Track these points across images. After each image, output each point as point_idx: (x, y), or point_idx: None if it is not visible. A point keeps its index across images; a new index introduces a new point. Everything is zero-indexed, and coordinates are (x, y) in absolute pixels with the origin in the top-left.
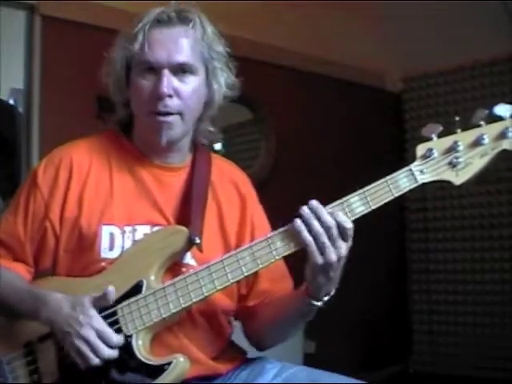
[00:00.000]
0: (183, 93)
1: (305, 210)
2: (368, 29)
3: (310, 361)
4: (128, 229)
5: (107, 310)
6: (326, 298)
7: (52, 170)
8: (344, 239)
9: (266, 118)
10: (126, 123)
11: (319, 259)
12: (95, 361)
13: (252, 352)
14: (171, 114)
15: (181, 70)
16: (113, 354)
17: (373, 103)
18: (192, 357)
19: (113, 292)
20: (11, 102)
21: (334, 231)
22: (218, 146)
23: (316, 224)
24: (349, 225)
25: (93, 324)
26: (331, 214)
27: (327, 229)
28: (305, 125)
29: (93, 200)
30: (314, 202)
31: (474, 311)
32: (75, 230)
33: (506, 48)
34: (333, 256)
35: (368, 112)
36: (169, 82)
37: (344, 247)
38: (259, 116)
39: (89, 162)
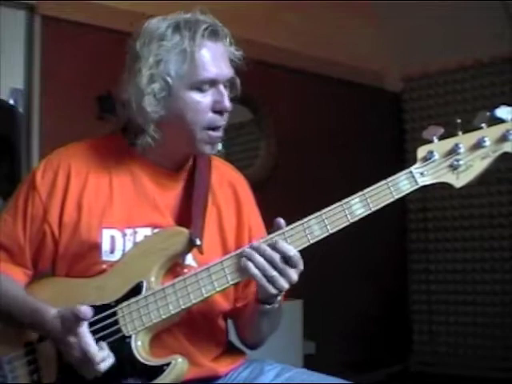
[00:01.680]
0: (230, 106)
1: (246, 250)
2: (368, 29)
3: (310, 361)
4: (129, 231)
5: (107, 311)
6: (279, 299)
7: (50, 173)
8: (292, 266)
9: (265, 117)
10: (126, 127)
11: (271, 289)
12: (90, 376)
13: (251, 353)
14: (223, 127)
15: (228, 83)
16: (106, 365)
17: (373, 103)
18: (191, 358)
19: (85, 311)
20: (11, 102)
21: (279, 262)
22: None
23: (259, 260)
24: (291, 252)
25: (81, 345)
26: (273, 244)
27: (270, 261)
28: (305, 125)
29: (92, 204)
30: (255, 243)
31: (474, 311)
32: (75, 234)
33: (506, 48)
34: (284, 284)
35: (368, 112)
36: (228, 97)
37: (294, 274)
38: (259, 116)
39: (88, 165)
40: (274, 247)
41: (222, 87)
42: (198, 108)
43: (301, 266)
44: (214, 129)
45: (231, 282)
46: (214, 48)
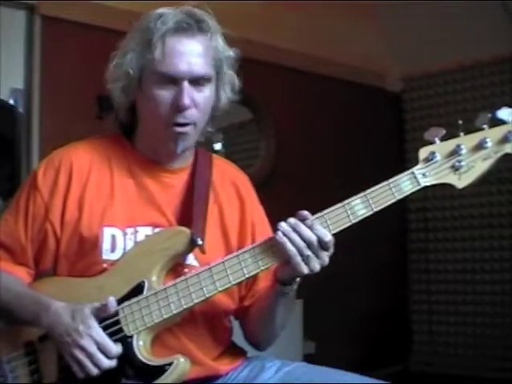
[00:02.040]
0: (200, 103)
1: (283, 225)
2: (368, 29)
3: (310, 361)
4: (130, 230)
5: None
6: (298, 280)
7: (52, 172)
8: (325, 250)
9: (266, 117)
10: (128, 126)
11: (304, 269)
12: (93, 371)
13: (252, 352)
14: (188, 124)
15: (198, 80)
16: (111, 364)
17: (373, 103)
18: (193, 358)
19: (113, 302)
20: (11, 102)
21: (315, 244)
22: (218, 146)
23: (296, 238)
24: (327, 238)
25: (92, 335)
26: (311, 227)
27: (308, 243)
28: (305, 125)
29: (93, 202)
30: (292, 219)
31: (474, 311)
32: (76, 232)
33: (506, 48)
34: (317, 266)
35: (368, 112)
36: (189, 94)
37: (327, 257)
38: (259, 116)
39: (89, 164)
40: (311, 228)
41: (184, 84)
42: (157, 102)
43: (332, 250)
44: (177, 125)
45: (233, 282)
46: (182, 43)
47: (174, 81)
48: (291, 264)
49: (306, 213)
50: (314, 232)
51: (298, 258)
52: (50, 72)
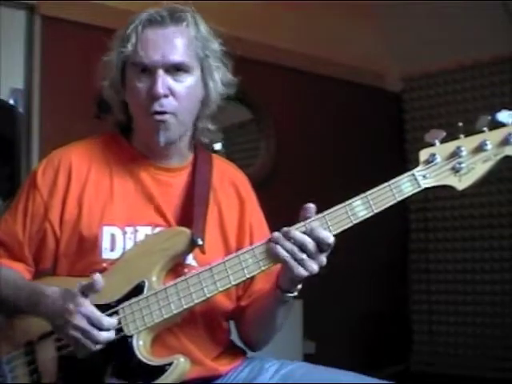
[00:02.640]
0: (179, 92)
1: (275, 233)
2: (368, 29)
3: (310, 361)
4: (129, 229)
5: (109, 310)
6: (299, 287)
7: (51, 171)
8: (323, 251)
9: (266, 117)
10: (125, 125)
11: (302, 271)
12: (91, 347)
13: (252, 352)
14: (167, 113)
15: (176, 69)
16: (108, 336)
17: (373, 103)
18: (193, 358)
19: (99, 279)
20: (11, 102)
21: (310, 247)
22: (218, 146)
23: (287, 244)
24: (331, 240)
25: (82, 311)
26: (311, 231)
27: (301, 246)
28: (305, 125)
29: (93, 201)
30: (285, 228)
31: (474, 311)
32: (76, 232)
33: (506, 48)
34: (315, 267)
35: (368, 112)
36: (164, 82)
37: (324, 258)
38: (259, 116)
39: (88, 163)
40: (310, 233)
41: (158, 72)
42: (135, 92)
43: (329, 250)
44: (156, 113)
45: (234, 283)
46: (155, 33)
47: (149, 71)
48: (288, 268)
49: (310, 209)
50: (316, 235)
51: (292, 262)
52: (50, 72)
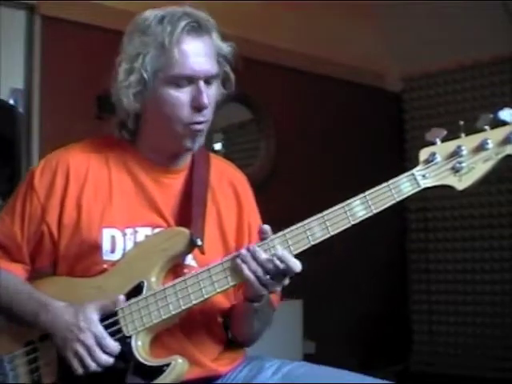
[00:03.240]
0: (212, 102)
1: (243, 251)
2: (368, 29)
3: (310, 361)
4: (129, 231)
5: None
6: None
7: (49, 174)
8: (287, 275)
9: (266, 117)
10: (132, 130)
11: (263, 291)
12: (91, 366)
13: (251, 351)
14: (205, 122)
15: (209, 79)
16: (108, 360)
17: (373, 103)
18: (192, 358)
19: (123, 301)
20: (11, 102)
21: (276, 271)
22: (218, 146)
23: (253, 265)
24: (298, 269)
25: (92, 330)
26: (281, 257)
27: (267, 270)
28: (305, 125)
29: (92, 204)
30: (251, 247)
31: (474, 311)
32: (75, 234)
33: (506, 48)
34: (277, 288)
35: (368, 112)
36: (207, 93)
37: (287, 281)
38: (259, 116)
39: (86, 165)
40: (279, 258)
41: (201, 84)
42: (175, 104)
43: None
44: (193, 123)
45: (231, 283)
46: (194, 44)
47: (190, 81)
48: (250, 285)
49: (265, 228)
50: (285, 263)
51: (256, 283)
52: (50, 72)
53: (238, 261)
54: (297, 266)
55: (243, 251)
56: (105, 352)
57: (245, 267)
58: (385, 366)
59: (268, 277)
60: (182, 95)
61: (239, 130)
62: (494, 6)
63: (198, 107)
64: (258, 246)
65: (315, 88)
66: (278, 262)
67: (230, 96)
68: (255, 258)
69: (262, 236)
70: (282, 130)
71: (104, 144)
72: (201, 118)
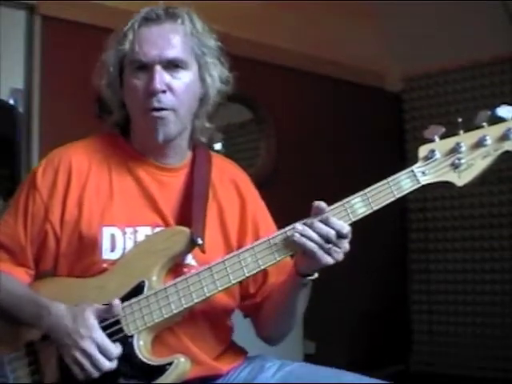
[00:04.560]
0: (176, 88)
1: (298, 226)
2: (368, 29)
3: (310, 361)
4: (129, 230)
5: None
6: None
7: (51, 172)
8: (344, 238)
9: (266, 117)
10: (123, 125)
11: (329, 260)
12: (94, 373)
13: (252, 351)
14: (165, 109)
15: (173, 65)
16: (111, 366)
17: (373, 103)
18: (193, 357)
19: (119, 305)
20: (11, 102)
21: (333, 237)
22: (217, 146)
23: (314, 235)
24: (346, 229)
25: (93, 337)
26: (326, 221)
27: (326, 237)
28: (305, 125)
29: (93, 202)
30: (308, 220)
31: (474, 311)
32: (76, 232)
33: (506, 48)
34: (340, 255)
35: (368, 112)
36: (161, 77)
37: (347, 244)
38: (259, 116)
39: (88, 163)
40: (326, 223)
41: (155, 68)
42: (132, 90)
43: (350, 236)
44: (154, 110)
45: (233, 282)
46: (151, 31)
47: (146, 68)
48: (315, 258)
49: (322, 205)
50: (331, 226)
51: (321, 252)
52: (50, 72)
53: (297, 235)
54: (344, 227)
55: (297, 225)
56: (107, 357)
57: (306, 240)
58: (385, 366)
59: (331, 245)
60: (138, 81)
61: (239, 129)
62: (494, 5)
63: (149, 92)
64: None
65: (315, 88)
66: (328, 228)
67: (230, 96)
68: (313, 227)
69: (317, 211)
70: (282, 129)
71: (105, 142)
72: (156, 104)
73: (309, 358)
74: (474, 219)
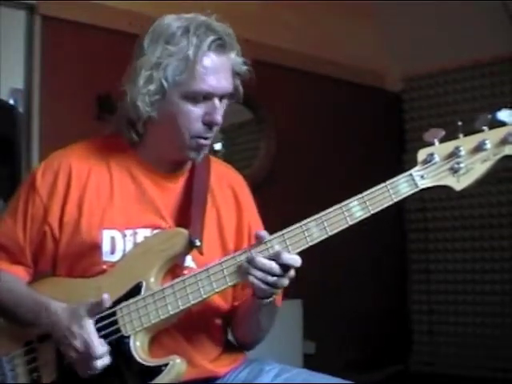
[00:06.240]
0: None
1: (243, 263)
2: (368, 29)
3: (309, 361)
4: (129, 232)
5: (106, 311)
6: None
7: (51, 174)
8: (288, 271)
9: (266, 117)
10: (138, 135)
11: (271, 291)
12: (85, 375)
13: (251, 352)
14: (210, 138)
15: (224, 97)
16: (103, 363)
17: (372, 103)
18: (190, 359)
19: (108, 299)
20: (11, 102)
21: (278, 270)
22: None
23: (255, 272)
24: (298, 263)
25: (83, 336)
26: (277, 256)
27: (269, 271)
28: (304, 125)
29: (93, 205)
30: (250, 256)
31: (474, 311)
32: (76, 234)
33: (506, 48)
34: (285, 283)
35: (368, 112)
36: (221, 111)
37: (293, 272)
38: (259, 116)
39: (88, 166)
40: (276, 259)
41: (216, 101)
42: (189, 117)
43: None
44: (201, 138)
45: (230, 284)
46: (217, 61)
47: (206, 97)
48: (259, 290)
49: (261, 234)
50: (283, 261)
51: (264, 286)
52: (50, 72)
53: (242, 272)
54: (296, 261)
55: (244, 263)
56: (94, 356)
57: (250, 277)
58: (385, 366)
59: (275, 278)
60: (197, 110)
61: (239, 129)
62: (494, 5)
63: (210, 123)
64: (256, 249)
65: (315, 88)
66: (276, 263)
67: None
68: (255, 265)
69: (259, 241)
70: (282, 130)
71: (105, 145)
72: (209, 134)
73: (309, 358)
74: (473, 219)
